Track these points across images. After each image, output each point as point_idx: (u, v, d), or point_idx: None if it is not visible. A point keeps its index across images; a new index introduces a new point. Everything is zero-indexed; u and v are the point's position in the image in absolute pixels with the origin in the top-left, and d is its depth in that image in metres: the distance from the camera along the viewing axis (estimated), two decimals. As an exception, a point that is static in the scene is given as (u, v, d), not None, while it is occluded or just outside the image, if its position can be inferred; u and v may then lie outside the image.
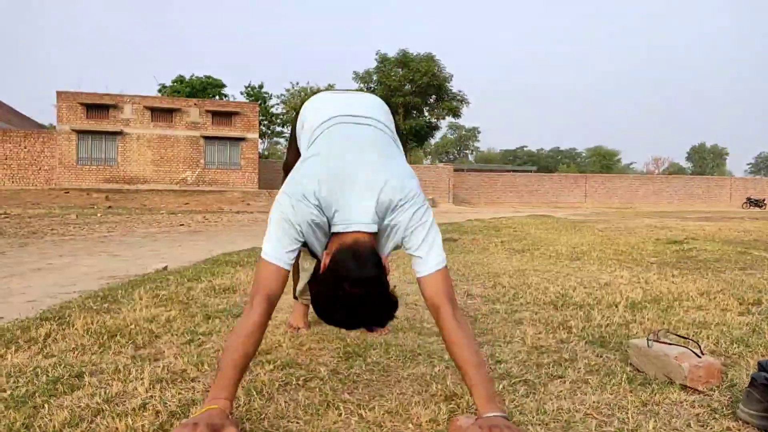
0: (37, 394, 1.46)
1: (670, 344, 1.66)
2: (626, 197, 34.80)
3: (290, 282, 2.16)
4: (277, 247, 1.32)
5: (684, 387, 1.52)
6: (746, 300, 2.77)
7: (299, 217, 1.32)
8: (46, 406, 1.38)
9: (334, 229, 1.35)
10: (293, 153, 1.87)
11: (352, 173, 1.35)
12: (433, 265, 1.35)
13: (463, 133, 63.72)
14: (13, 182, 24.75)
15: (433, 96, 34.70)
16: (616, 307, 2.63)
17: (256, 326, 1.27)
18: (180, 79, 36.40)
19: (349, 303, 1.25)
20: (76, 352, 1.86)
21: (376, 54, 34.29)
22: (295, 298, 2.29)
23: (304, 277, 2.23)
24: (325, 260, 1.33)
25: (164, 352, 1.89)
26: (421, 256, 1.37)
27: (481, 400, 1.18)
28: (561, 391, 1.52)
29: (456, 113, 35.20)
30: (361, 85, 35.55)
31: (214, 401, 1.18)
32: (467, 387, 1.23)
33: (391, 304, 1.31)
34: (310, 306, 2.26)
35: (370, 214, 1.33)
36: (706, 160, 72.84)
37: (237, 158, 26.72)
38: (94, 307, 2.59)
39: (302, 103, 1.80)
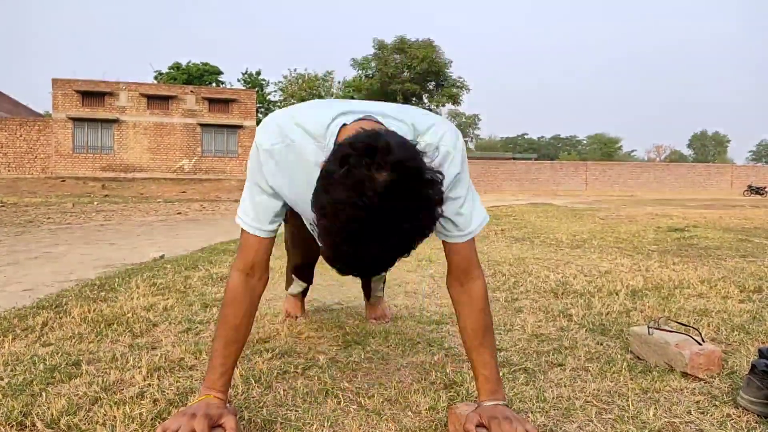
0: (34, 383, 1.45)
1: (671, 332, 1.66)
2: (627, 185, 34.80)
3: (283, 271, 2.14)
4: None
5: (684, 374, 1.51)
6: (747, 287, 2.76)
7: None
8: (43, 394, 1.37)
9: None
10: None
11: None
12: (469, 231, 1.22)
13: (464, 120, 63.58)
14: (9, 171, 24.67)
15: (432, 83, 34.56)
16: (617, 294, 2.62)
17: (246, 304, 1.21)
18: (176, 66, 36.15)
19: (381, 206, 0.79)
20: (74, 341, 1.85)
21: (374, 41, 34.08)
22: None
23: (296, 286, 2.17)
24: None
25: (162, 340, 1.88)
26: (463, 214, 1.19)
27: (483, 387, 1.17)
28: (561, 379, 1.51)
29: (456, 100, 35.10)
30: (359, 72, 35.38)
31: (211, 390, 1.17)
32: (473, 370, 1.22)
33: (437, 191, 0.85)
34: (306, 294, 2.25)
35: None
36: (708, 148, 72.80)
37: (234, 146, 26.64)
38: (91, 296, 2.58)
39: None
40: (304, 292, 2.21)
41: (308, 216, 1.19)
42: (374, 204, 0.79)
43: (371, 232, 0.81)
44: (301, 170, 1.10)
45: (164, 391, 1.40)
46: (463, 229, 1.21)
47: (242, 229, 1.24)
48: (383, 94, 33.56)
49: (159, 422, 1.21)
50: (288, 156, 1.12)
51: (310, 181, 0.96)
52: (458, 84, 34.32)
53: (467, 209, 1.21)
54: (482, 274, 1.26)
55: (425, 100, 34.93)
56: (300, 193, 1.11)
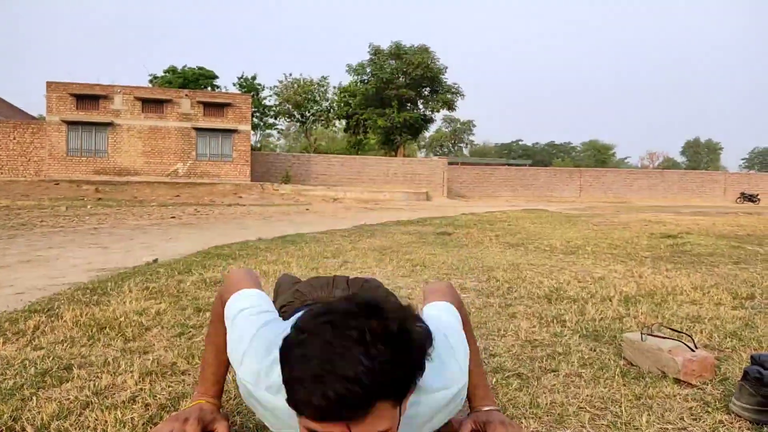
0: (25, 387, 1.44)
1: (664, 338, 1.66)
2: (621, 191, 34.97)
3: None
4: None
5: (677, 380, 1.51)
6: (739, 294, 2.78)
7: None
8: (34, 398, 1.36)
9: None
10: None
11: None
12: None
13: (458, 126, 63.70)
14: (2, 174, 24.51)
15: (428, 88, 34.66)
16: (610, 301, 2.63)
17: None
18: (172, 70, 36.08)
19: (373, 344, 0.74)
20: (65, 345, 1.83)
21: (369, 46, 34.17)
22: None
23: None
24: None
25: (154, 344, 1.87)
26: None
27: (473, 393, 1.17)
28: (554, 385, 1.51)
29: (451, 106, 35.18)
30: (355, 77, 35.46)
31: (203, 395, 1.16)
32: None
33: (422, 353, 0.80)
34: None
35: None
36: (701, 155, 73.30)
37: (229, 150, 26.58)
38: (84, 300, 2.56)
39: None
40: None
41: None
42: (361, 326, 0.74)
43: (348, 343, 0.73)
44: (270, 411, 1.00)
45: (156, 396, 1.39)
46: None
47: (229, 274, 1.21)
48: (379, 99, 33.60)
49: (151, 427, 1.20)
50: (259, 395, 0.99)
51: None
52: (453, 90, 34.42)
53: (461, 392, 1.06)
54: (462, 303, 1.25)
55: (420, 106, 35.02)
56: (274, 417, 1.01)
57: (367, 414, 0.73)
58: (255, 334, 1.00)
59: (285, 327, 0.94)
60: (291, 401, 0.76)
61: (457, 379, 1.00)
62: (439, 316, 1.13)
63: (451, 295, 1.24)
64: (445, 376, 0.99)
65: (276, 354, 0.85)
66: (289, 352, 0.77)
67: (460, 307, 1.23)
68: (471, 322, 1.28)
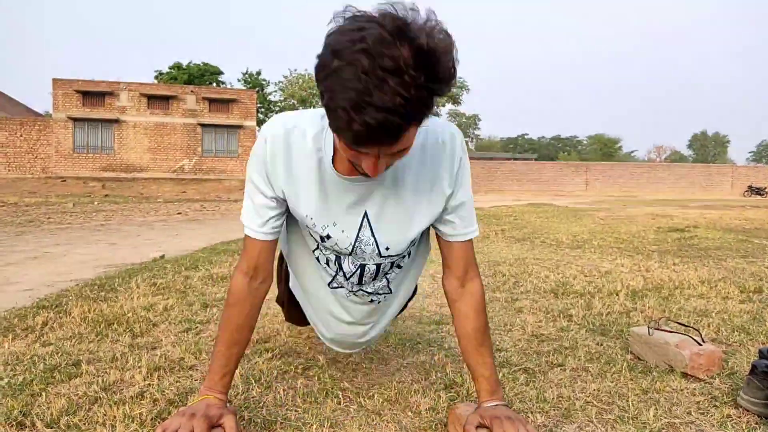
0: (34, 382, 1.45)
1: (671, 332, 1.65)
2: (627, 185, 34.80)
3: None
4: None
5: (685, 375, 1.51)
6: (747, 288, 2.76)
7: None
8: (43, 394, 1.37)
9: None
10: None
11: None
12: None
13: (464, 120, 63.61)
14: (9, 171, 24.68)
15: (433, 83, 34.60)
16: (617, 295, 2.62)
17: (248, 307, 1.20)
18: (177, 66, 36.16)
19: (397, 62, 0.77)
20: (74, 341, 1.85)
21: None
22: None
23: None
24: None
25: (162, 340, 1.88)
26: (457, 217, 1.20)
27: (483, 388, 1.17)
28: (561, 379, 1.51)
29: (456, 100, 35.17)
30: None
31: (211, 390, 1.16)
32: (471, 372, 1.21)
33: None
34: None
35: None
36: (708, 148, 72.78)
37: (235, 146, 26.65)
38: (91, 296, 2.58)
39: None
40: None
41: (306, 211, 1.17)
42: (386, 37, 0.77)
43: (386, 64, 0.76)
44: (301, 155, 1.12)
45: (164, 391, 1.40)
46: (466, 227, 1.22)
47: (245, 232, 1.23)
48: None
49: (159, 422, 1.21)
50: (289, 140, 1.12)
51: (310, 165, 1.11)
52: (458, 84, 34.38)
53: (470, 209, 1.22)
54: (479, 273, 1.26)
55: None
56: (298, 177, 1.13)
57: (400, 138, 0.84)
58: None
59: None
60: (333, 126, 0.86)
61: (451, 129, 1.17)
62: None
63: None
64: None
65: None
66: (327, 77, 0.82)
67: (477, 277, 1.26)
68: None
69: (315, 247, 1.28)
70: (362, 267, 1.25)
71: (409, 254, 1.31)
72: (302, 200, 1.15)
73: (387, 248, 1.21)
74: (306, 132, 1.11)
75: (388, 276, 1.31)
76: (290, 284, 1.50)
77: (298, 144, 1.11)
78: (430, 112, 0.86)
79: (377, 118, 0.78)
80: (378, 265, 1.25)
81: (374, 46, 0.77)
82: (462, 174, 1.18)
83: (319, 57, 0.84)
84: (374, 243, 1.20)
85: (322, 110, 1.09)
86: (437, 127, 1.16)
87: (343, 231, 1.18)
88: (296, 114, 1.15)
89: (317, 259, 1.30)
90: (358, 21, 0.81)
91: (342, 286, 1.31)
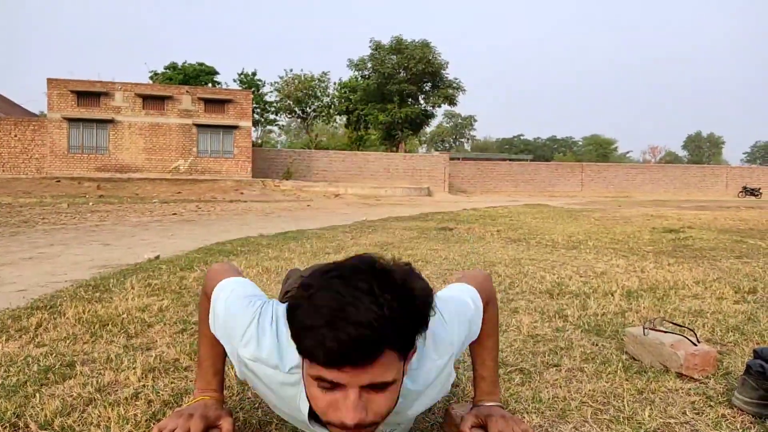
0: (28, 384, 1.44)
1: (666, 332, 1.66)
2: (622, 186, 34.91)
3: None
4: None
5: (680, 375, 1.51)
6: (742, 288, 2.77)
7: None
8: (37, 395, 1.36)
9: None
10: None
11: None
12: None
13: (459, 121, 63.57)
14: (3, 171, 24.54)
15: (429, 83, 34.59)
16: (612, 295, 2.63)
17: None
18: (172, 66, 36.02)
19: (360, 293, 0.77)
20: (68, 342, 1.84)
21: (370, 41, 34.10)
22: None
23: None
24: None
25: (157, 341, 1.87)
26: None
27: (480, 389, 1.17)
28: (557, 380, 1.51)
29: (452, 101, 35.12)
30: (356, 73, 35.39)
31: (206, 391, 1.16)
32: (473, 371, 1.21)
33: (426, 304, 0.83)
34: None
35: None
36: (703, 149, 73.11)
37: (230, 146, 26.57)
38: (86, 297, 2.56)
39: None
40: None
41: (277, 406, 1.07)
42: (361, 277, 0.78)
43: (355, 294, 0.76)
44: (281, 396, 1.00)
45: (159, 392, 1.39)
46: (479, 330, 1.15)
47: (211, 268, 1.20)
48: (380, 95, 33.55)
49: (154, 423, 1.20)
50: (264, 381, 1.00)
51: (290, 405, 0.98)
52: (454, 85, 34.35)
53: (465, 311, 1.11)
54: (494, 298, 1.22)
55: (421, 101, 34.96)
56: (268, 393, 1.02)
57: (376, 360, 0.76)
58: (254, 316, 1.00)
59: (280, 306, 1.01)
60: (302, 348, 0.78)
61: (446, 350, 1.02)
62: (450, 293, 1.13)
63: (483, 284, 1.20)
64: (437, 348, 1.01)
65: (273, 331, 0.94)
66: (298, 306, 0.79)
67: (488, 300, 1.18)
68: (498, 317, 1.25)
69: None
70: None
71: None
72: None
73: None
74: (282, 382, 0.97)
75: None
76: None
77: (275, 389, 0.99)
78: (408, 344, 0.81)
79: (350, 333, 0.74)
80: None
81: (348, 274, 0.79)
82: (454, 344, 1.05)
83: (292, 299, 0.81)
84: None
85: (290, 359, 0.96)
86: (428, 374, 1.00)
87: None
88: (266, 358, 0.97)
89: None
90: (332, 264, 0.83)
91: None
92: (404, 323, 0.78)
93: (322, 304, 0.76)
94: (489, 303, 1.20)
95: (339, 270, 0.80)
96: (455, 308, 1.07)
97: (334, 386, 0.79)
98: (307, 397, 0.86)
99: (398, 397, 0.85)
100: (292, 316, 0.80)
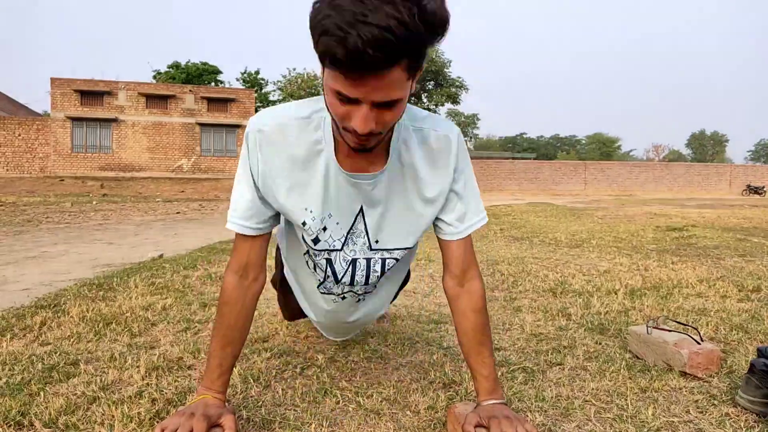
0: (32, 382, 1.44)
1: (670, 331, 1.66)
2: (626, 184, 34.82)
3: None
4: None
5: (683, 373, 1.51)
6: (746, 287, 2.76)
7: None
8: (41, 393, 1.37)
9: None
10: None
11: None
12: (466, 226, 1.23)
13: (462, 120, 63.58)
14: (7, 170, 24.64)
15: (432, 82, 34.58)
16: (616, 294, 2.62)
17: (239, 306, 1.19)
18: (175, 65, 36.10)
19: None
20: (72, 340, 1.84)
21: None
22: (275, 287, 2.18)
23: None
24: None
25: (160, 340, 1.88)
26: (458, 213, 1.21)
27: (482, 387, 1.17)
28: (560, 378, 1.51)
29: (455, 100, 35.12)
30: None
31: (209, 390, 1.16)
32: (470, 371, 1.21)
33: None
34: None
35: None
36: (706, 147, 72.87)
37: (233, 145, 26.62)
38: (90, 295, 2.57)
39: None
40: None
41: (307, 204, 1.15)
42: None
43: None
44: (300, 148, 1.10)
45: (163, 391, 1.40)
46: (461, 225, 1.21)
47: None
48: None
49: (157, 422, 1.21)
50: (284, 132, 1.10)
51: (309, 158, 1.10)
52: (457, 84, 34.34)
53: (469, 204, 1.22)
54: (480, 273, 1.26)
55: (424, 100, 34.95)
56: (295, 170, 1.12)
57: (391, 70, 0.83)
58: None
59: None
60: (324, 49, 0.82)
61: (451, 128, 1.18)
62: None
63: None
64: (438, 120, 1.17)
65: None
66: (319, 9, 0.82)
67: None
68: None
69: (305, 251, 1.28)
70: (353, 263, 1.25)
71: (397, 259, 1.30)
72: (302, 194, 1.14)
73: (377, 241, 1.22)
74: (301, 125, 1.10)
75: (377, 274, 1.29)
76: (284, 271, 1.52)
77: (293, 137, 1.10)
78: (422, 58, 0.87)
79: (372, 33, 0.77)
80: (368, 260, 1.25)
81: None
82: (461, 170, 1.19)
83: (313, 5, 0.85)
84: (365, 235, 1.20)
85: (314, 102, 1.11)
86: (436, 124, 1.16)
87: (338, 223, 1.18)
88: (284, 107, 1.14)
89: (306, 263, 1.31)
90: None
91: (331, 292, 1.34)
92: (421, 33, 0.81)
93: (344, 8, 0.78)
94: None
95: None
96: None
97: (350, 101, 0.88)
98: (327, 107, 0.96)
99: (402, 112, 0.96)
100: (314, 22, 0.83)
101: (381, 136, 0.98)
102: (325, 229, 1.19)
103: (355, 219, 1.18)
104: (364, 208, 1.17)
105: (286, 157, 1.11)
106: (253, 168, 1.13)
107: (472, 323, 1.20)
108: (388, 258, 1.26)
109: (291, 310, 1.66)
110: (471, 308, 1.21)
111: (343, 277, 1.28)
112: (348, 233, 1.20)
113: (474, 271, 1.24)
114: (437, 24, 0.83)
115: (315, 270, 1.30)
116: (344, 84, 0.86)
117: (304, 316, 1.65)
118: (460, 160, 1.18)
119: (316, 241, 1.20)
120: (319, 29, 0.82)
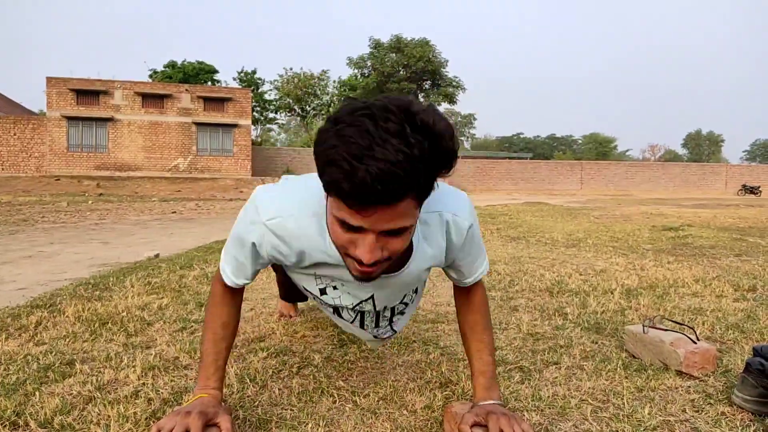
0: (28, 382, 1.44)
1: (666, 330, 1.66)
2: (622, 184, 34.92)
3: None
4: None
5: (679, 373, 1.51)
6: (741, 286, 2.77)
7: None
8: (37, 393, 1.36)
9: None
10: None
11: None
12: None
13: (459, 119, 63.63)
14: (3, 169, 24.53)
15: (428, 82, 34.61)
16: (612, 293, 2.63)
17: (229, 306, 1.23)
18: (172, 64, 36.00)
19: (385, 131, 0.77)
20: (68, 340, 1.84)
21: (370, 40, 34.12)
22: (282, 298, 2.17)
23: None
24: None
25: (156, 339, 1.87)
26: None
27: (479, 385, 1.17)
28: (556, 378, 1.51)
29: (452, 99, 35.17)
30: (356, 71, 35.38)
31: (205, 389, 1.16)
32: (470, 370, 1.23)
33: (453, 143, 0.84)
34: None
35: None
36: (702, 147, 73.12)
37: (230, 145, 26.56)
38: (86, 295, 2.56)
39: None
40: None
41: (301, 277, 1.19)
42: (386, 112, 0.78)
43: (383, 132, 0.77)
44: (299, 239, 1.06)
45: (159, 391, 1.39)
46: (466, 279, 1.25)
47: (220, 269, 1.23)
48: (379, 93, 33.53)
49: (153, 421, 1.20)
50: (288, 237, 1.06)
51: (309, 246, 1.05)
52: (454, 83, 34.38)
53: (470, 268, 1.23)
54: (482, 283, 1.31)
55: (421, 99, 34.96)
56: (296, 253, 1.08)
57: (400, 203, 0.81)
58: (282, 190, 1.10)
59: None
60: (329, 181, 0.80)
61: (461, 207, 1.12)
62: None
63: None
64: (446, 201, 1.09)
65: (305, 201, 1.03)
66: (327, 140, 0.79)
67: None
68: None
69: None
70: (361, 314, 1.29)
71: (407, 303, 1.34)
72: (312, 269, 1.14)
73: (384, 307, 1.27)
74: (312, 242, 1.04)
75: (389, 319, 1.34)
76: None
77: (306, 248, 1.06)
78: (429, 188, 0.84)
79: (380, 168, 0.75)
80: (377, 313, 1.29)
81: (378, 113, 0.78)
82: (467, 251, 1.17)
83: (319, 131, 0.82)
84: (372, 303, 1.24)
85: (316, 203, 1.02)
86: (454, 207, 1.11)
87: (349, 293, 1.21)
88: (295, 216, 1.04)
89: (311, 298, 1.32)
90: (362, 101, 0.82)
91: (343, 318, 1.34)
92: (430, 165, 0.80)
93: (351, 140, 0.76)
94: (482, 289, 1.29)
95: (368, 109, 0.79)
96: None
97: (355, 229, 0.85)
98: (328, 229, 0.94)
99: (411, 239, 0.93)
100: (319, 150, 0.81)
101: (387, 264, 0.93)
102: (335, 288, 1.21)
103: (364, 300, 1.22)
104: (375, 294, 1.20)
105: (298, 253, 1.08)
106: (261, 253, 1.11)
107: (471, 322, 1.26)
108: (397, 304, 1.30)
109: (287, 290, 1.73)
110: (472, 309, 1.27)
111: (352, 321, 1.31)
112: (356, 304, 1.24)
113: (478, 282, 1.29)
114: (446, 157, 0.81)
115: (321, 305, 1.32)
116: (350, 213, 0.83)
117: (303, 299, 1.70)
118: (472, 245, 1.17)
119: (322, 292, 1.23)
120: (324, 158, 0.80)
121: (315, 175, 0.93)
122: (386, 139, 0.76)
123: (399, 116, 0.78)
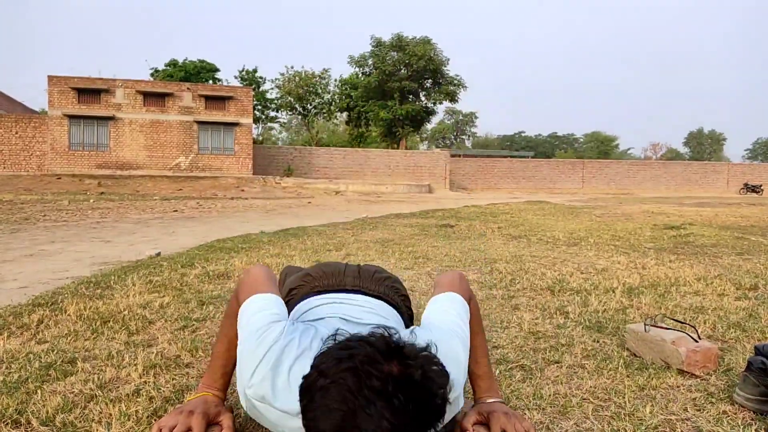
0: (29, 380, 1.44)
1: (667, 329, 1.66)
2: (623, 183, 34.86)
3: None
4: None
5: (681, 371, 1.51)
6: (743, 285, 2.77)
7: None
8: (39, 391, 1.36)
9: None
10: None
11: None
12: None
13: (460, 118, 63.50)
14: (4, 168, 24.56)
15: (430, 80, 34.53)
16: (613, 292, 2.62)
17: None
18: (173, 63, 35.99)
19: (389, 391, 0.74)
20: (69, 338, 1.84)
21: (371, 38, 34.05)
22: None
23: None
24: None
25: (158, 338, 1.88)
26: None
27: (478, 386, 1.18)
28: (558, 376, 1.51)
29: (453, 98, 35.08)
30: (357, 69, 35.33)
31: (209, 388, 1.16)
32: (468, 374, 1.22)
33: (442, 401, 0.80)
34: None
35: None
36: (704, 146, 72.96)
37: (231, 143, 26.55)
38: (87, 294, 2.57)
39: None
40: None
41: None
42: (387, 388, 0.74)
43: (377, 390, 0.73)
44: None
45: (160, 389, 1.40)
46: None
47: (247, 273, 1.22)
48: (381, 91, 33.50)
49: (155, 420, 1.20)
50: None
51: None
52: (455, 82, 34.28)
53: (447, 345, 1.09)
54: (473, 294, 1.29)
55: (422, 98, 34.92)
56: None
57: None
58: (265, 354, 0.98)
59: (294, 340, 0.98)
60: None
61: (454, 387, 0.98)
62: (445, 311, 1.15)
63: (461, 286, 1.24)
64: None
65: (284, 374, 0.91)
66: (310, 396, 0.77)
67: (469, 298, 1.24)
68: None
69: None
70: None
71: None
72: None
73: None
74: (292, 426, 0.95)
75: None
76: None
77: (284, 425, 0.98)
78: None
79: None
80: None
81: (362, 365, 0.74)
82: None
83: (304, 378, 0.79)
84: None
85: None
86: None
87: None
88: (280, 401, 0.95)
89: None
90: (349, 341, 0.79)
91: None
92: (418, 425, 0.75)
93: (334, 407, 0.73)
94: (471, 300, 1.25)
95: (352, 360, 0.75)
96: (456, 338, 1.08)
97: None
98: None
99: None
100: (305, 406, 0.78)
101: None
102: None
103: None
104: None
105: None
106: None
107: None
108: None
109: None
110: None
111: None
112: None
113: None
114: (433, 418, 0.77)
115: None
116: None
117: None
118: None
119: None
120: (308, 420, 0.77)
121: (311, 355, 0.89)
122: (371, 401, 0.72)
123: (385, 366, 0.74)
